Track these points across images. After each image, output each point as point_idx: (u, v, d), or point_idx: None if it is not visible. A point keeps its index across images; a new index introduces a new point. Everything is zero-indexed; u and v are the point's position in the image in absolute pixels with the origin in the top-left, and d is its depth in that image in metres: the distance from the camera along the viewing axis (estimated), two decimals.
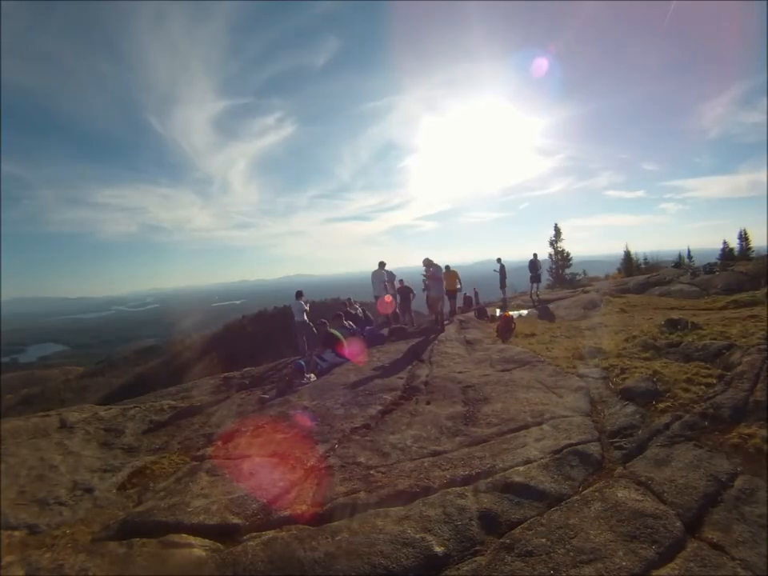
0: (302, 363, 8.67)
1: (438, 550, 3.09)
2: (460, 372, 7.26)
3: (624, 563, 2.89)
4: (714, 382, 5.38)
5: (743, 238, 28.55)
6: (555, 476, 3.88)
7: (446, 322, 11.70)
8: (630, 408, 5.12)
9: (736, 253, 27.35)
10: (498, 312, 13.62)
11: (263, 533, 3.49)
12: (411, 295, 13.59)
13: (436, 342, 9.82)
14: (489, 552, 3.09)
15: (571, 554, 2.99)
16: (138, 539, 3.57)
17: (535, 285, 17.79)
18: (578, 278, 27.57)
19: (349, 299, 13.78)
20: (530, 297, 17.31)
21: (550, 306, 14.63)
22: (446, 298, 13.15)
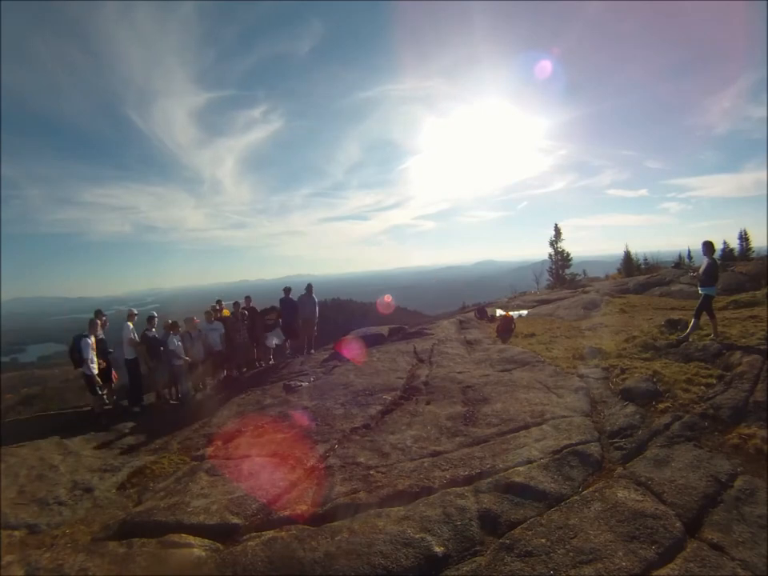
0: None
1: (438, 550, 3.09)
2: (460, 372, 7.25)
3: (624, 563, 2.89)
4: (714, 382, 5.38)
5: (743, 238, 28.54)
6: (555, 476, 3.87)
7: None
8: (630, 408, 5.12)
9: (736, 253, 27.33)
10: (498, 312, 13.61)
11: (263, 533, 3.49)
12: None
13: (436, 342, 9.81)
14: (489, 552, 3.09)
15: (571, 554, 2.99)
16: (137, 539, 3.58)
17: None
18: (578, 278, 27.53)
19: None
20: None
21: (550, 306, 14.61)
22: None
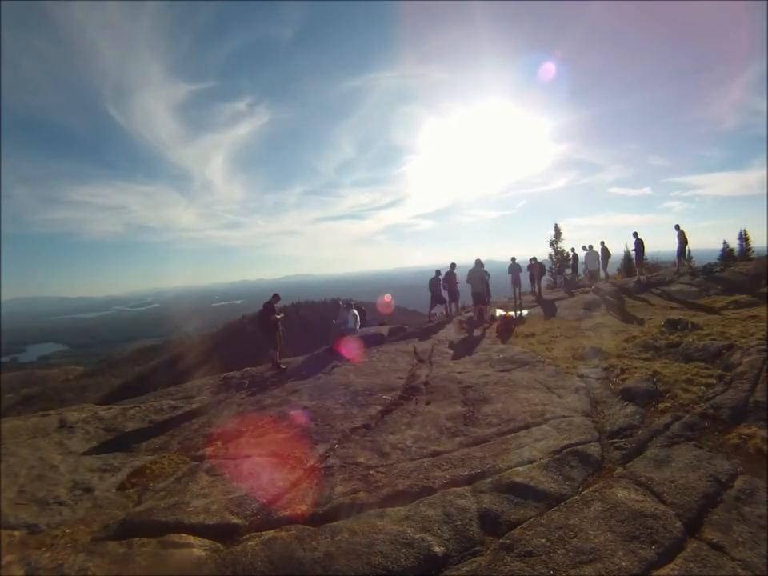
0: None
1: (438, 550, 3.10)
2: (460, 372, 7.26)
3: (624, 563, 2.89)
4: (714, 382, 5.38)
5: (743, 238, 28.52)
6: (555, 476, 3.88)
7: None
8: (630, 408, 5.12)
9: (736, 253, 27.32)
10: (498, 312, 13.61)
11: (263, 533, 3.49)
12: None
13: (436, 342, 9.82)
14: (489, 552, 3.09)
15: (571, 554, 2.99)
16: (137, 539, 3.57)
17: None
18: (578, 278, 27.50)
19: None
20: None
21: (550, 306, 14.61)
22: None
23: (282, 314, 10.04)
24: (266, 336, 9.82)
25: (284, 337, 10.08)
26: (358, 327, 11.43)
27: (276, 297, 10.04)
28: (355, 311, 11.54)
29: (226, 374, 9.93)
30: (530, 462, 4.08)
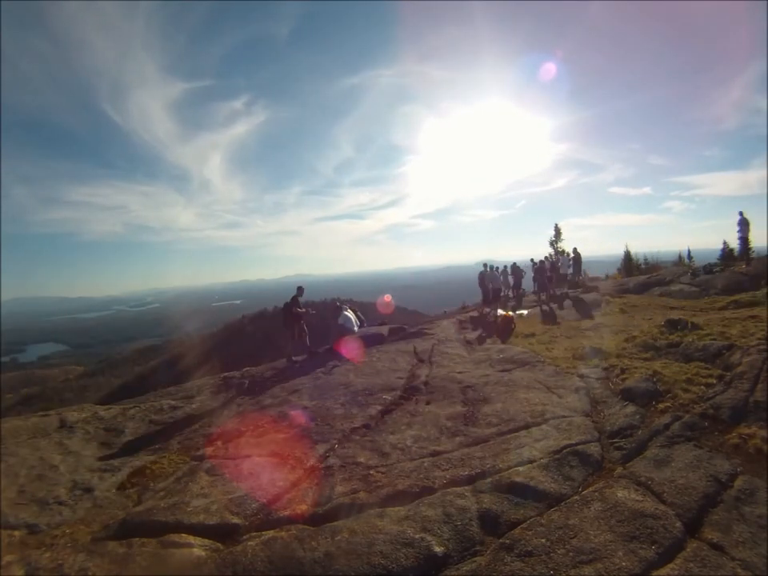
0: None
1: (438, 550, 3.10)
2: (460, 372, 7.26)
3: (624, 563, 2.89)
4: (714, 382, 5.38)
5: (742, 238, 28.46)
6: (555, 476, 3.88)
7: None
8: (630, 408, 5.12)
9: (736, 253, 27.30)
10: (498, 312, 13.60)
11: (263, 533, 3.50)
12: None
13: (436, 342, 9.82)
14: (488, 552, 3.09)
15: (571, 554, 2.99)
16: (137, 539, 3.58)
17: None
18: (578, 278, 27.49)
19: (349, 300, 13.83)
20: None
21: (550, 305, 14.62)
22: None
23: (312, 310, 10.96)
24: (286, 328, 10.47)
25: (300, 332, 10.48)
26: (356, 327, 11.40)
27: (300, 289, 10.65)
28: (348, 312, 11.53)
29: (226, 373, 9.92)
30: (530, 461, 4.09)
